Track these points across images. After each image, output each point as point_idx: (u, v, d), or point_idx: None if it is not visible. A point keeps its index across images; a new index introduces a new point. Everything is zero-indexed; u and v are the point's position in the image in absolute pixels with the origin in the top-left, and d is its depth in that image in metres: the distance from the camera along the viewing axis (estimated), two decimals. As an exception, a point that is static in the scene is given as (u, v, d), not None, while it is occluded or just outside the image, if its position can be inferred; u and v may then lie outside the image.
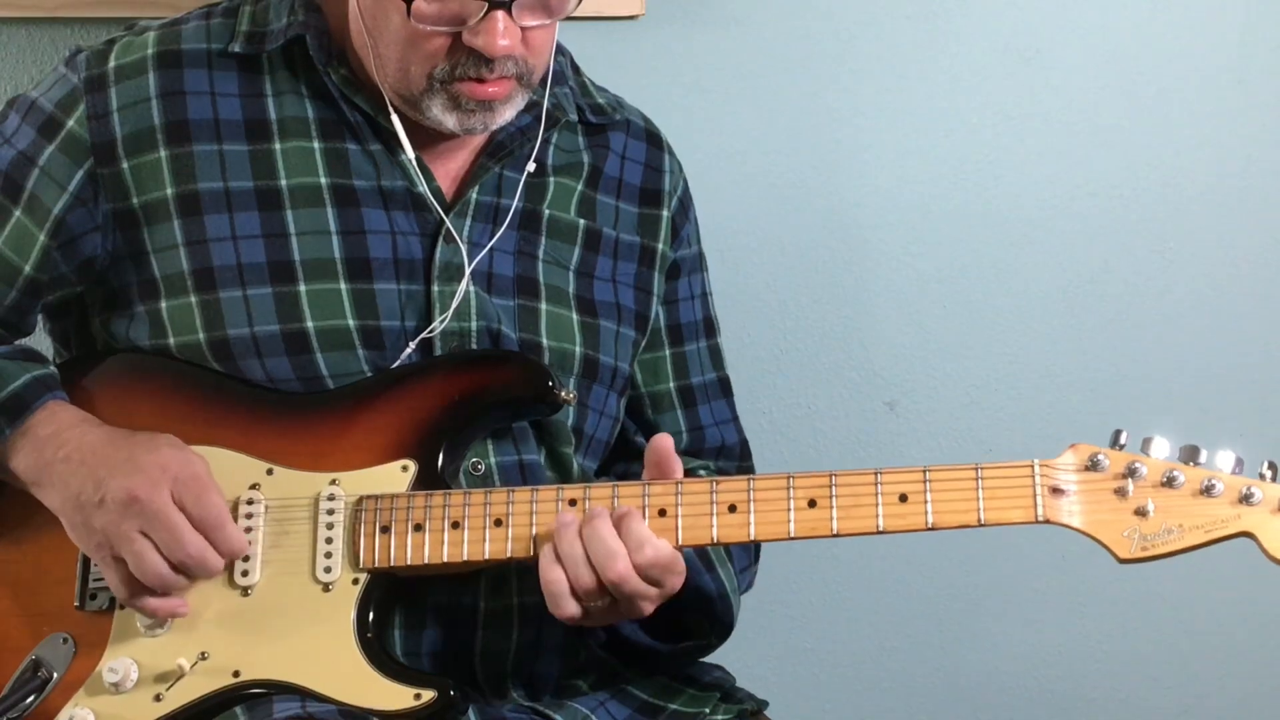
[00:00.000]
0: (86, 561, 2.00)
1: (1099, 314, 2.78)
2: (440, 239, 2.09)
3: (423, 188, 2.09)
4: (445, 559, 1.96)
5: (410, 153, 2.08)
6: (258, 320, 2.03)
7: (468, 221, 2.10)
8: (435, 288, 2.07)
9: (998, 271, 2.77)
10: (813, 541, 1.95)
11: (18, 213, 2.07)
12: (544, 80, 2.10)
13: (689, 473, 2.06)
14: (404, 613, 2.02)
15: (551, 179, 2.17)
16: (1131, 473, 1.90)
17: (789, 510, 1.93)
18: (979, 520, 1.91)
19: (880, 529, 1.92)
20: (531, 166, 2.14)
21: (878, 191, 2.75)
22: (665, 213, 2.24)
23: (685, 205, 2.27)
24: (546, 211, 2.16)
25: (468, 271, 2.08)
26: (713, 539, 1.94)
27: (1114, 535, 1.90)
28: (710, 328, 2.29)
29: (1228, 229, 2.78)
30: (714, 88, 2.71)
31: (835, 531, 1.93)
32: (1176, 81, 2.76)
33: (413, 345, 2.05)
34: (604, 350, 2.15)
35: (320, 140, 2.09)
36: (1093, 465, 1.91)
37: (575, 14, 2.03)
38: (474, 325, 2.08)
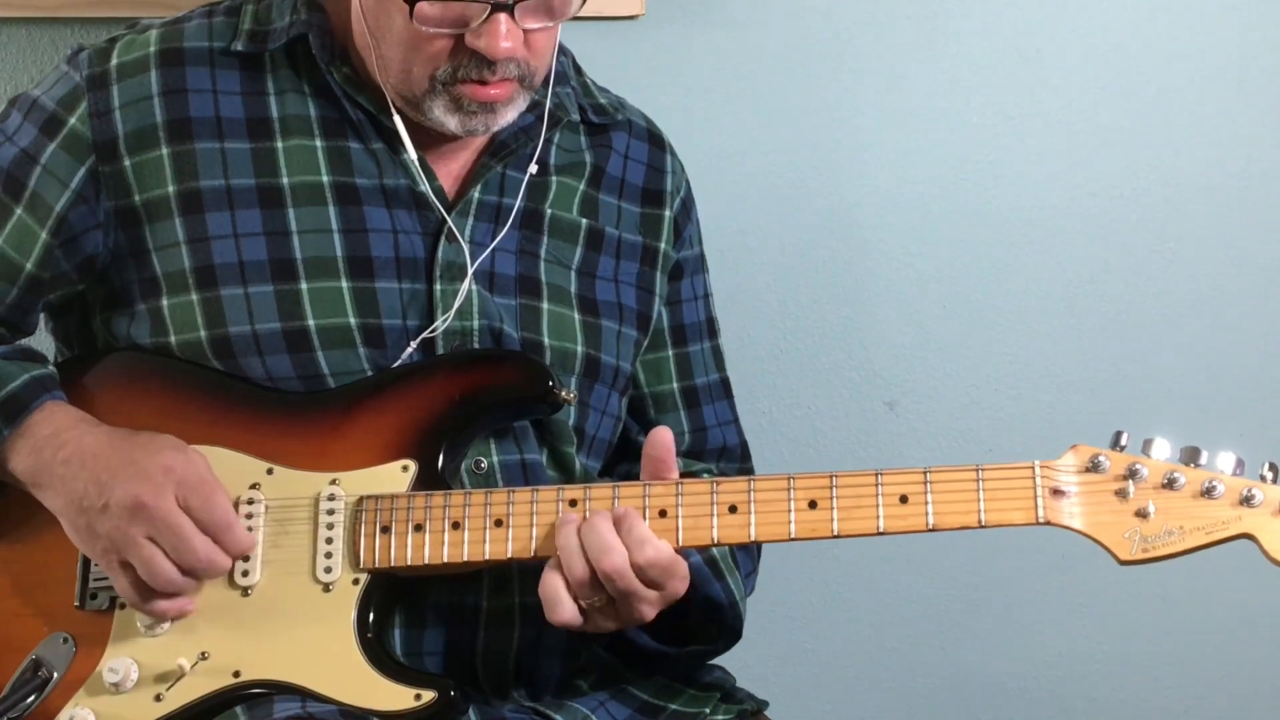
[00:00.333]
0: (87, 561, 2.00)
1: (1099, 314, 2.78)
2: (442, 238, 2.09)
3: (425, 187, 2.09)
4: (445, 559, 1.96)
5: (412, 152, 2.08)
6: (259, 318, 2.03)
7: (470, 221, 2.11)
8: (437, 287, 2.07)
9: (998, 271, 2.77)
10: (813, 542, 1.95)
11: (19, 210, 2.07)
12: (546, 80, 2.10)
13: (690, 475, 2.06)
14: (405, 612, 2.02)
15: (554, 178, 2.17)
16: (1132, 474, 1.90)
17: (789, 511, 1.93)
18: (979, 522, 1.91)
19: (881, 530, 1.92)
20: (534, 169, 2.14)
21: (878, 191, 2.75)
22: (668, 213, 2.24)
23: (688, 206, 2.27)
24: (549, 211, 2.16)
25: (470, 271, 2.08)
26: (713, 540, 1.94)
27: (1115, 537, 1.90)
28: (712, 328, 2.29)
29: (1228, 229, 2.78)
30: (714, 88, 2.72)
31: (836, 532, 1.93)
32: (1176, 81, 2.76)
33: (414, 344, 2.05)
34: (606, 350, 2.15)
35: (322, 138, 2.09)
36: (1093, 467, 1.91)
37: (571, 18, 2.04)
38: (476, 324, 2.08)
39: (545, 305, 2.13)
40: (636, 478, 2.02)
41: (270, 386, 2.03)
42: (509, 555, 1.96)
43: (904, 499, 1.92)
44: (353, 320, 2.05)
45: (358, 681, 1.94)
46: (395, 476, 1.99)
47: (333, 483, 2.00)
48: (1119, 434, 1.92)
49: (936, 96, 2.75)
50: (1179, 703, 2.82)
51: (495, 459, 2.07)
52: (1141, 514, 1.90)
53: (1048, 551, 2.75)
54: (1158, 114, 2.77)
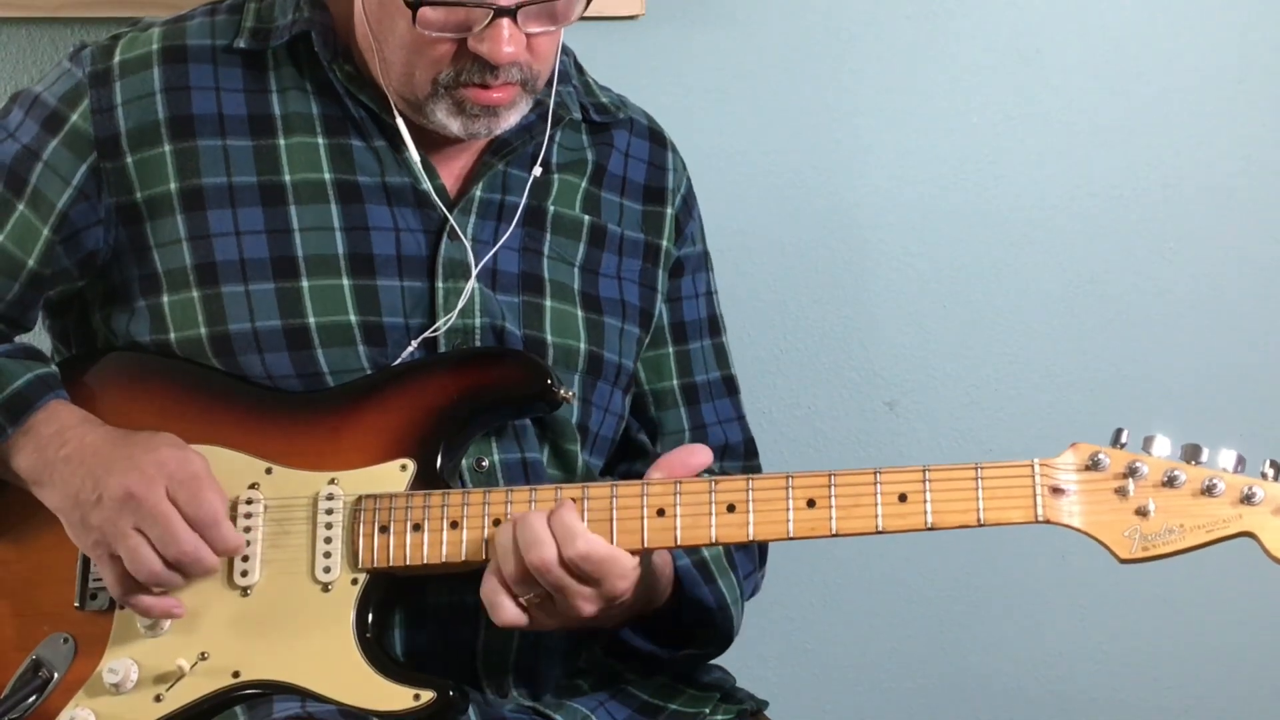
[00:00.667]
0: (87, 561, 2.01)
1: (1099, 314, 2.78)
2: (444, 236, 2.09)
3: (427, 185, 2.09)
4: (444, 559, 1.96)
5: (414, 150, 2.08)
6: (259, 315, 2.03)
7: (472, 219, 2.11)
8: (439, 285, 2.07)
9: (998, 271, 2.77)
10: (813, 541, 1.95)
11: (21, 207, 2.07)
12: (549, 80, 2.10)
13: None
14: (405, 611, 2.02)
15: (556, 176, 2.17)
16: (1132, 472, 1.90)
17: (788, 510, 1.93)
18: (978, 520, 1.91)
19: (879, 529, 1.91)
20: (538, 171, 2.14)
21: (878, 191, 2.75)
22: (669, 210, 2.24)
23: (689, 203, 2.28)
24: (551, 208, 2.16)
25: (474, 269, 2.08)
26: (711, 539, 1.94)
27: (1114, 535, 1.89)
28: (715, 326, 2.29)
29: (1228, 229, 2.78)
30: (714, 88, 2.72)
31: (834, 531, 1.92)
32: (1176, 81, 2.76)
33: (415, 343, 2.05)
34: (609, 347, 2.15)
35: (324, 136, 2.09)
36: (1093, 464, 1.91)
37: (571, 23, 2.04)
38: (478, 322, 2.08)
39: (548, 302, 2.13)
40: (637, 476, 2.02)
41: (269, 386, 2.03)
42: (508, 555, 1.96)
43: (903, 498, 1.91)
44: (353, 318, 2.05)
45: (357, 682, 1.94)
46: (394, 476, 1.99)
47: (331, 482, 1.99)
48: (1119, 431, 1.92)
49: (936, 96, 2.75)
50: (1179, 703, 2.82)
51: (496, 457, 2.07)
52: (1141, 512, 1.89)
53: (1048, 551, 2.75)
54: (1158, 114, 2.77)
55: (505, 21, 1.96)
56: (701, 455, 1.98)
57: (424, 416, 2.01)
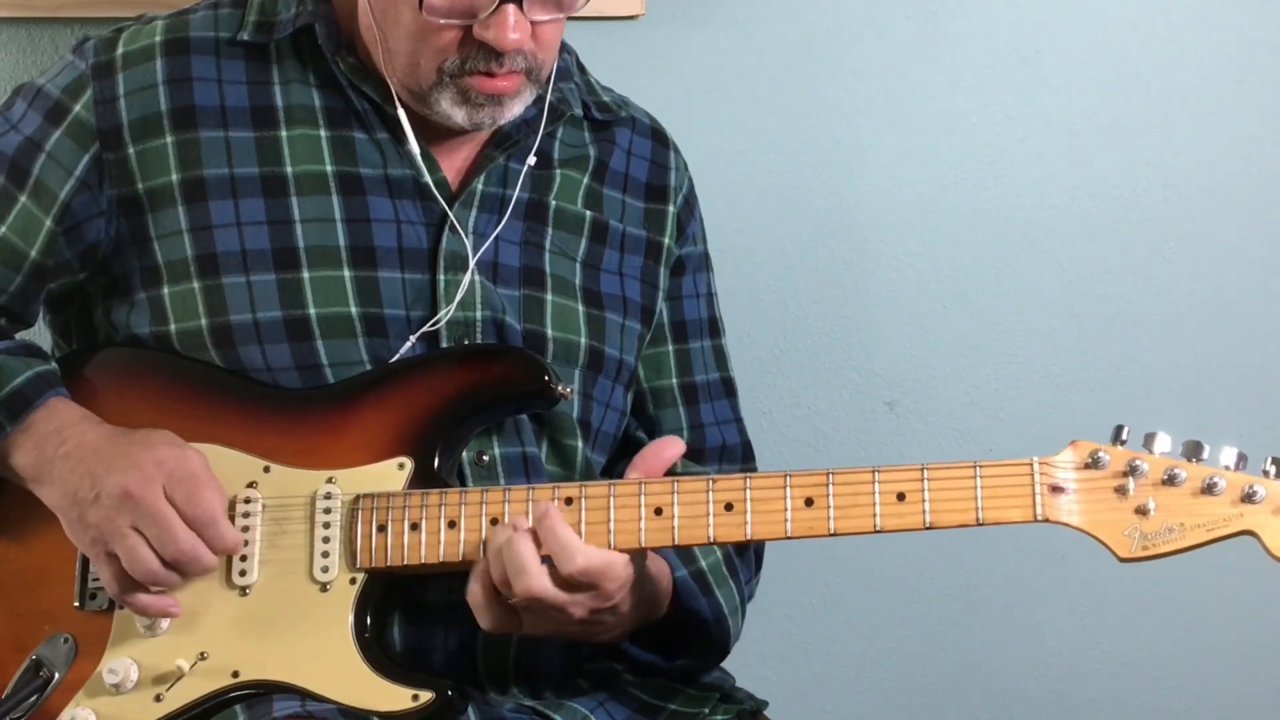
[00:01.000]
0: (86, 561, 2.01)
1: (1099, 314, 2.78)
2: (445, 229, 2.09)
3: (428, 178, 2.10)
4: (442, 558, 1.96)
5: (415, 143, 2.09)
6: (260, 306, 2.04)
7: (473, 212, 2.11)
8: (440, 277, 2.08)
9: (998, 271, 2.77)
10: (812, 540, 1.95)
11: (24, 198, 2.07)
12: (549, 76, 2.11)
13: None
14: (406, 610, 2.02)
15: (558, 171, 2.18)
16: (1132, 470, 1.89)
17: (786, 509, 1.92)
18: (977, 520, 1.90)
19: (878, 528, 1.91)
20: (532, 160, 2.14)
21: (878, 191, 2.75)
22: (671, 208, 2.24)
23: (690, 203, 2.28)
24: (553, 203, 2.16)
25: (472, 262, 2.08)
26: (709, 538, 1.94)
27: (1114, 534, 1.89)
28: (715, 328, 2.29)
29: (1228, 229, 2.78)
30: (714, 88, 2.72)
31: (832, 531, 1.92)
32: (1176, 81, 2.76)
33: (415, 336, 2.06)
34: (609, 343, 2.15)
35: (327, 128, 2.10)
36: (1093, 462, 1.90)
37: (576, 14, 2.04)
38: (479, 315, 2.08)
39: (549, 297, 2.13)
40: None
41: (268, 383, 2.03)
42: (506, 554, 1.96)
43: (901, 496, 1.91)
44: (354, 309, 2.05)
45: (355, 682, 1.94)
46: (391, 474, 1.99)
47: (329, 481, 2.00)
48: (1120, 428, 1.91)
49: (936, 96, 2.75)
50: (1179, 703, 2.82)
51: (497, 451, 2.07)
52: (1141, 511, 1.89)
53: (1048, 550, 2.75)
54: (1158, 114, 2.76)
55: (511, 8, 1.97)
56: (674, 447, 1.99)
57: (422, 414, 2.01)
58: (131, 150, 2.07)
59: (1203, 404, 2.77)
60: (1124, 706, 2.82)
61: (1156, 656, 2.81)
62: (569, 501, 1.95)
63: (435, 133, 2.10)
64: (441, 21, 1.99)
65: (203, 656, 1.97)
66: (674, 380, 2.24)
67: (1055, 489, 1.90)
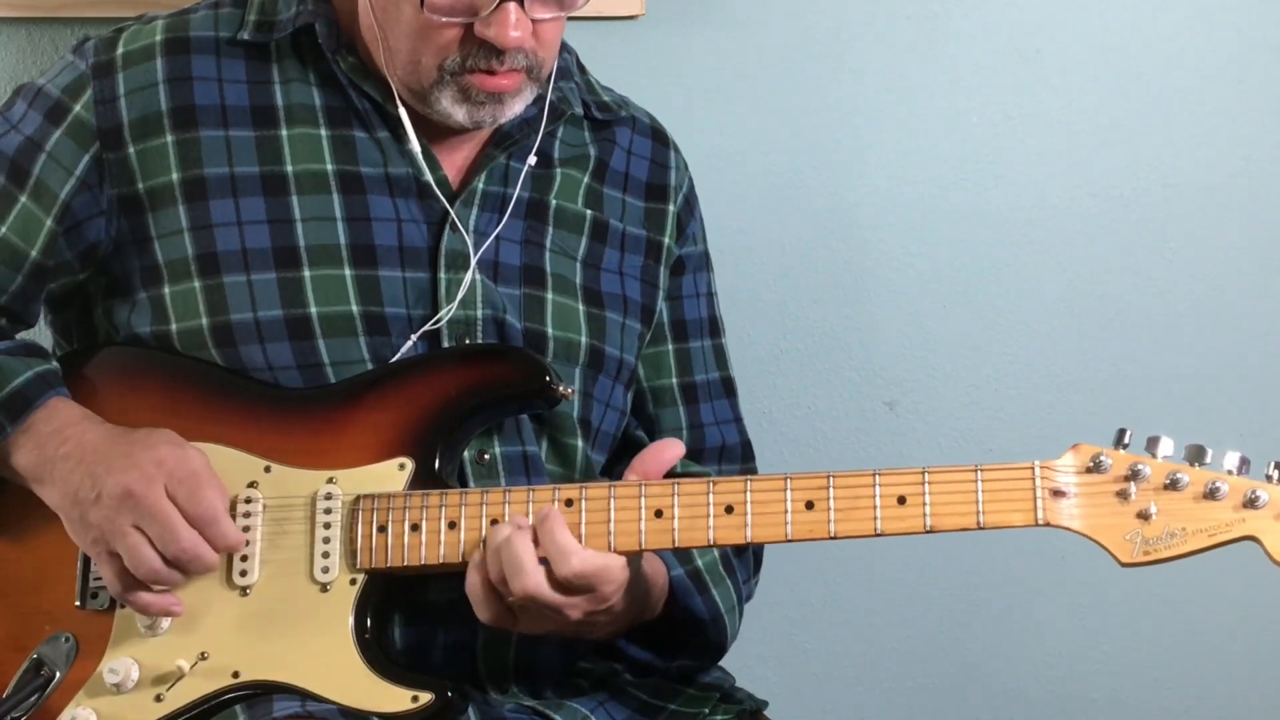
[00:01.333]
0: (87, 560, 2.01)
1: (1099, 314, 2.77)
2: (446, 227, 2.09)
3: (429, 176, 2.10)
4: (442, 559, 1.96)
5: (416, 142, 2.09)
6: (261, 305, 2.04)
7: (474, 211, 2.11)
8: (441, 275, 2.08)
9: (998, 271, 2.77)
10: (812, 542, 1.95)
11: (24, 198, 2.07)
12: (549, 75, 2.11)
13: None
14: (406, 609, 2.03)
15: (558, 170, 2.18)
16: (1134, 475, 1.89)
17: (786, 512, 1.92)
18: (978, 523, 1.90)
19: (878, 531, 1.90)
20: (533, 160, 2.14)
21: (878, 191, 2.75)
22: (671, 208, 2.24)
23: (690, 202, 2.28)
24: (554, 202, 2.17)
25: (474, 260, 2.08)
26: (709, 540, 1.94)
27: (1116, 539, 1.88)
28: (715, 327, 2.29)
29: (1228, 229, 2.78)
30: (714, 88, 2.71)
31: (833, 534, 1.91)
32: (1176, 81, 2.76)
33: (416, 335, 2.06)
34: (610, 342, 2.16)
35: (327, 127, 2.10)
36: (1095, 466, 1.90)
37: (576, 14, 2.04)
38: (479, 314, 2.08)
39: (550, 295, 2.13)
40: (629, 477, 2.02)
41: (269, 383, 2.03)
42: (506, 555, 1.96)
43: (902, 500, 1.90)
44: (355, 308, 2.05)
45: (355, 683, 1.94)
46: (392, 475, 1.99)
47: (330, 481, 2.00)
48: (1122, 431, 1.91)
49: (936, 96, 2.75)
50: (1179, 703, 2.82)
51: (498, 450, 2.07)
52: (1143, 515, 1.88)
53: (1048, 551, 2.75)
54: (1158, 114, 2.76)
55: (512, 6, 1.98)
56: (673, 449, 1.99)
57: (422, 414, 2.01)
58: (132, 150, 2.07)
59: (1202, 404, 2.77)
60: (1124, 706, 2.82)
61: (1156, 656, 2.81)
62: (569, 503, 1.95)
63: (436, 132, 2.10)
64: (443, 19, 1.99)
65: (203, 656, 1.97)
66: (674, 380, 2.24)
67: (1056, 493, 1.90)
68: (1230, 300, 2.79)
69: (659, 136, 2.28)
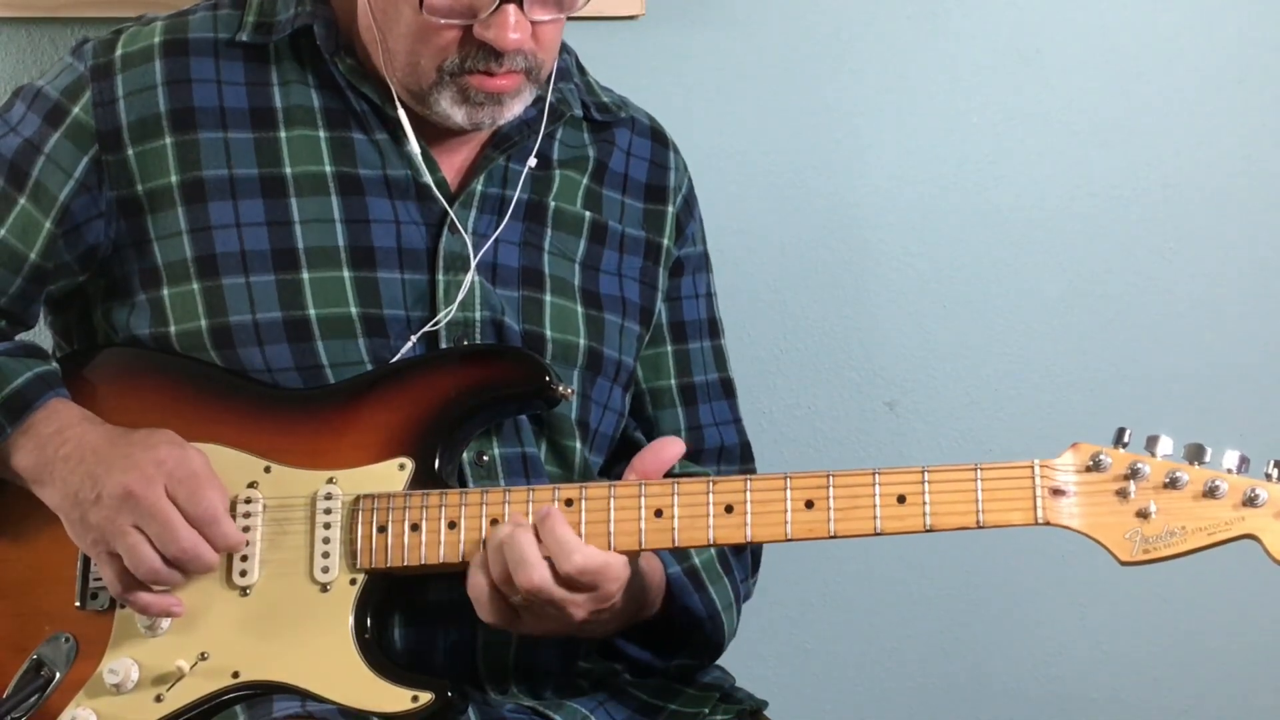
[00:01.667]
0: (87, 561, 2.01)
1: (1099, 314, 2.77)
2: (445, 229, 2.09)
3: (427, 178, 2.10)
4: (442, 559, 1.96)
5: (415, 143, 2.09)
6: (260, 307, 2.04)
7: (472, 212, 2.11)
8: (440, 277, 2.08)
9: (998, 271, 2.77)
10: (812, 541, 1.95)
11: (23, 200, 2.07)
12: (549, 76, 2.11)
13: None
14: (405, 610, 2.02)
15: (557, 172, 2.18)
16: (1133, 473, 1.89)
17: (786, 511, 1.92)
18: (978, 522, 1.90)
19: (878, 531, 1.90)
20: (533, 162, 2.14)
21: (878, 191, 2.75)
22: (670, 209, 2.24)
23: (690, 203, 2.28)
24: (552, 204, 2.16)
25: (473, 262, 2.08)
26: (709, 540, 1.94)
27: (1115, 538, 1.89)
28: (714, 328, 2.29)
29: (1228, 229, 2.78)
30: (714, 88, 2.71)
31: (832, 533, 1.92)
32: (1176, 81, 2.76)
33: (416, 336, 2.06)
34: (608, 344, 2.16)
35: (326, 129, 2.10)
36: (1094, 465, 1.90)
37: (576, 14, 2.04)
38: (478, 315, 2.08)
39: (548, 298, 2.13)
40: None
41: (269, 383, 2.03)
42: (506, 555, 1.96)
43: (901, 499, 1.91)
44: (354, 310, 2.05)
45: (355, 683, 1.94)
46: (392, 475, 1.99)
47: (330, 481, 2.00)
48: (1122, 430, 1.91)
49: (936, 96, 2.75)
50: (1179, 703, 2.82)
51: (496, 452, 2.07)
52: (1143, 514, 1.88)
53: (1048, 551, 2.75)
54: (1158, 114, 2.76)
55: (511, 8, 1.98)
56: (672, 448, 1.98)
57: (422, 415, 2.01)
58: (131, 152, 2.06)
59: (1202, 404, 2.77)
60: (1124, 706, 2.82)
61: (1156, 656, 2.81)
62: (569, 503, 1.95)
63: (435, 133, 2.10)
64: (442, 21, 1.99)
65: (203, 657, 1.97)
66: (673, 381, 2.24)
67: (1056, 492, 1.90)
68: (1230, 300, 2.79)
69: (658, 137, 2.28)
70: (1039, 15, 2.75)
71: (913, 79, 2.74)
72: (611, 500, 1.94)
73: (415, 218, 2.10)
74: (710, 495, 1.93)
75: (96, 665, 1.98)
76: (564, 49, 2.17)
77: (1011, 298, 2.77)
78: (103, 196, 2.07)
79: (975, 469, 1.91)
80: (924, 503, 1.90)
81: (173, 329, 2.05)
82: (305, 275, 2.05)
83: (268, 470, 2.01)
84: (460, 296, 2.08)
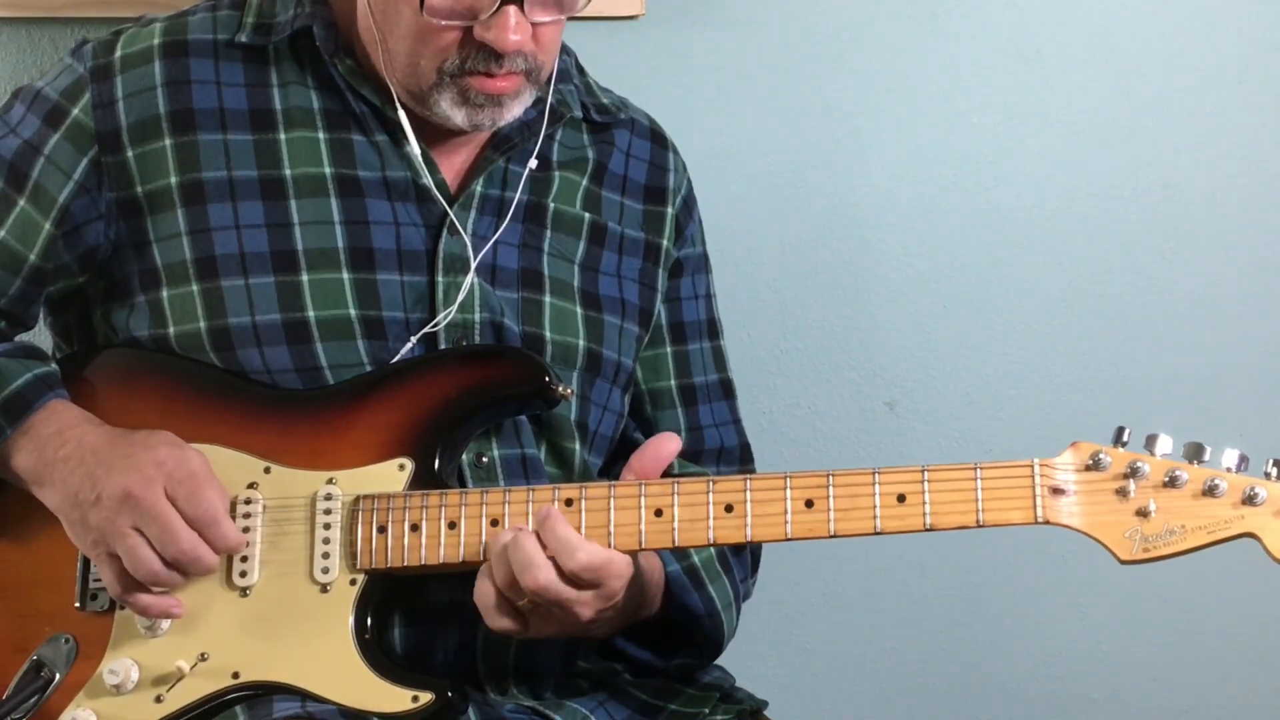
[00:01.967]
0: (87, 561, 2.01)
1: (1099, 314, 2.77)
2: (444, 231, 2.09)
3: (427, 179, 2.10)
4: (442, 559, 1.96)
5: (415, 145, 2.09)
6: (259, 309, 2.04)
7: (472, 214, 2.11)
8: (439, 279, 2.08)
9: (998, 271, 2.77)
10: (812, 541, 1.95)
11: (23, 202, 2.07)
12: (549, 77, 2.11)
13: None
14: (405, 611, 2.03)
15: (556, 173, 2.18)
16: (1133, 472, 1.89)
17: (786, 511, 1.92)
18: (978, 521, 1.90)
19: (878, 530, 1.91)
20: (533, 164, 2.14)
21: (878, 191, 2.75)
22: (669, 210, 2.24)
23: (689, 204, 2.28)
24: (552, 205, 2.16)
25: (473, 264, 2.08)
26: (709, 540, 1.94)
27: (1115, 536, 1.89)
28: (713, 329, 2.29)
29: (1228, 229, 2.78)
30: (714, 88, 2.71)
31: (832, 533, 1.92)
32: (1176, 81, 2.76)
33: (415, 338, 2.06)
34: (608, 345, 2.15)
35: (325, 131, 2.10)
36: (1094, 464, 1.90)
37: (577, 14, 2.04)
38: (478, 317, 2.08)
39: (548, 299, 2.13)
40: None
41: (268, 384, 2.03)
42: (506, 555, 1.96)
43: (901, 498, 1.91)
44: (353, 312, 2.05)
45: (355, 683, 1.94)
46: (392, 475, 1.99)
47: (329, 482, 1.99)
48: (1121, 429, 1.91)
49: (936, 96, 2.75)
50: (1179, 703, 2.82)
51: (496, 453, 2.07)
52: (1142, 513, 1.88)
53: (1048, 551, 2.75)
54: (1158, 114, 2.76)
55: (512, 9, 1.98)
56: (670, 444, 1.99)
57: (422, 415, 2.01)
58: (130, 153, 2.06)
59: (1203, 404, 2.77)
60: (1124, 706, 2.82)
61: (1156, 656, 2.81)
62: (569, 503, 1.95)
63: (434, 135, 2.10)
64: (442, 22, 1.99)
65: (203, 657, 1.97)
66: (672, 382, 2.24)
67: (1056, 491, 1.90)
68: (1230, 300, 2.79)
69: (658, 138, 2.28)
70: (1039, 15, 2.75)
71: (913, 79, 2.74)
72: (611, 500, 1.94)
73: (415, 219, 2.10)
74: (710, 495, 1.93)
75: (96, 666, 1.98)
76: (564, 50, 2.17)
77: (1011, 298, 2.77)
78: (102, 198, 2.07)
79: (975, 468, 1.91)
80: (924, 502, 1.90)
81: (172, 330, 2.05)
82: (304, 277, 2.05)
83: (267, 471, 2.01)
84: (460, 298, 2.08)
